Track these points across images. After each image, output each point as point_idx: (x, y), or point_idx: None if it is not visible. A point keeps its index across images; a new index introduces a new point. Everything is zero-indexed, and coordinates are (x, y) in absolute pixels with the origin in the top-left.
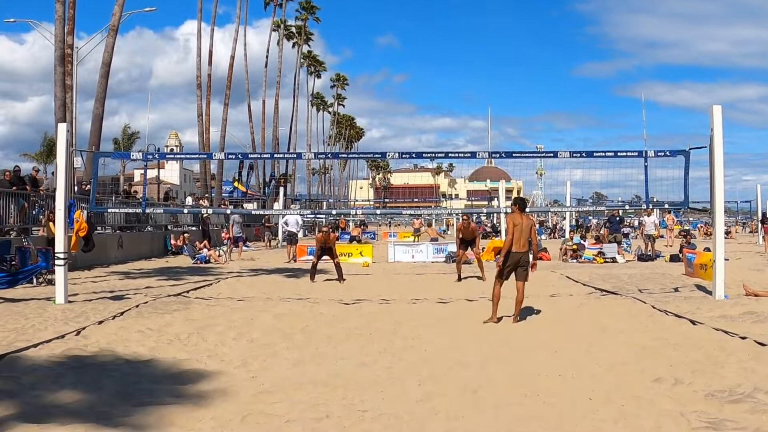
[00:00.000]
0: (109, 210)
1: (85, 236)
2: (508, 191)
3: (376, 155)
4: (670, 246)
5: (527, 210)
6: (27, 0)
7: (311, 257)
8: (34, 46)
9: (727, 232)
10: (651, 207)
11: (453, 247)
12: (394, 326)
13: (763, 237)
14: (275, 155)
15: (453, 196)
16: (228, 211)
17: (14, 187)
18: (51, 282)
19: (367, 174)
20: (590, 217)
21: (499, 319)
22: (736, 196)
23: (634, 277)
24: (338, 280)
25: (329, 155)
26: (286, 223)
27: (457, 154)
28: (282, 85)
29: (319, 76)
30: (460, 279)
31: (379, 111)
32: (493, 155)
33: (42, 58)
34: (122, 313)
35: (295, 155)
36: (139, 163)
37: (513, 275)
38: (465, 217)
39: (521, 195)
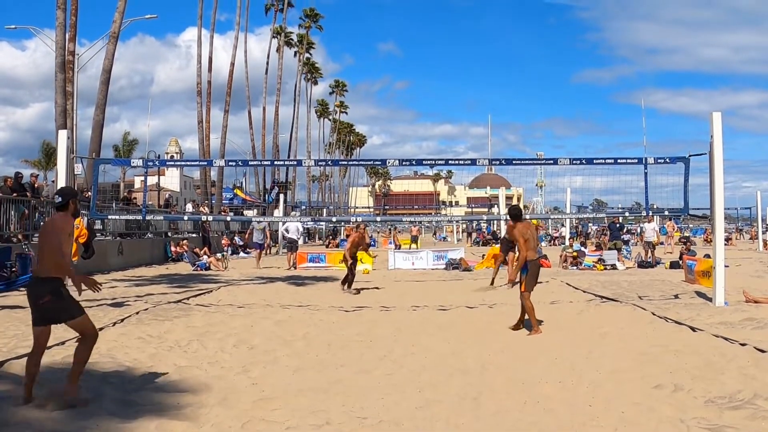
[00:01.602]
0: (110, 217)
1: (85, 243)
2: (508, 198)
3: (376, 162)
4: (671, 253)
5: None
6: (28, 7)
7: (311, 264)
8: (36, 53)
9: (728, 239)
10: (651, 214)
11: (453, 255)
12: (395, 333)
13: (765, 243)
14: (275, 162)
15: (453, 203)
16: (228, 218)
17: (15, 194)
18: None
19: (366, 181)
20: (590, 224)
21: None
22: (736, 202)
23: (634, 284)
24: (341, 286)
25: (329, 162)
26: (286, 230)
27: (457, 161)
28: (282, 92)
29: (315, 83)
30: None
31: (380, 118)
32: (493, 162)
33: (43, 65)
34: (122, 320)
35: (295, 162)
36: (139, 170)
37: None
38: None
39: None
